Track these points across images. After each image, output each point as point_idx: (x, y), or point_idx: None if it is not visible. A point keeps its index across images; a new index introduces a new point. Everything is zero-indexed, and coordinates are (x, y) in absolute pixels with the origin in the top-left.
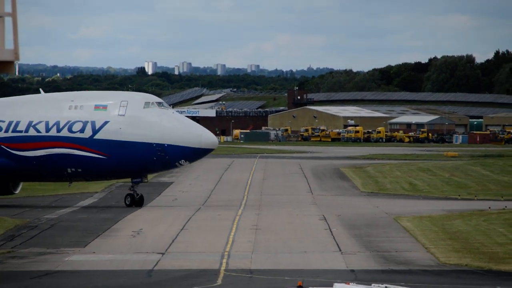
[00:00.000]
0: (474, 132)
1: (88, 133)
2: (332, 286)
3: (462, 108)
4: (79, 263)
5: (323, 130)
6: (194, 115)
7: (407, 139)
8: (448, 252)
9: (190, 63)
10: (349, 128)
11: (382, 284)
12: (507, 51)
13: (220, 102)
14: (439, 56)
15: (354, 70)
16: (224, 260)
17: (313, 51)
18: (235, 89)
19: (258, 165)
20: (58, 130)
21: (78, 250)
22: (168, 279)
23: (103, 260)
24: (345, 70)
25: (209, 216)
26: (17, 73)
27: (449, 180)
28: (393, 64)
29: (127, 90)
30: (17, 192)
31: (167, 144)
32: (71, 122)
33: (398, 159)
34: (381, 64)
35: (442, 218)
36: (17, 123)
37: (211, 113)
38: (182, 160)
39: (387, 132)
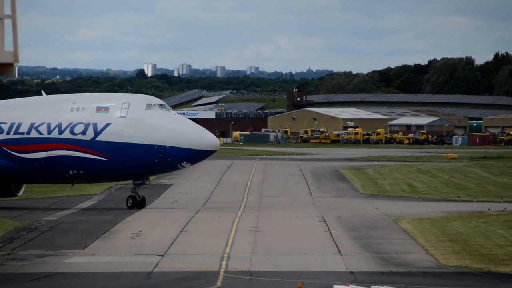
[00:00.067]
0: (474, 133)
1: (90, 135)
2: None
3: (462, 110)
4: (78, 265)
5: (322, 132)
6: (193, 117)
7: (406, 141)
8: (448, 254)
9: (189, 65)
10: (349, 130)
11: (382, 286)
12: (507, 53)
13: (220, 104)
14: (438, 58)
15: (354, 72)
16: (224, 262)
17: (312, 53)
18: (234, 91)
19: (257, 167)
20: (60, 132)
21: (77, 252)
22: (167, 281)
23: (103, 262)
24: (345, 72)
25: (208, 218)
26: (16, 75)
27: (449, 181)
28: (392, 66)
29: (127, 92)
30: (20, 194)
31: (169, 146)
32: (73, 124)
33: (398, 160)
34: (380, 66)
35: (442, 219)
36: (19, 125)
37: (211, 115)
38: (184, 162)
39: (387, 133)
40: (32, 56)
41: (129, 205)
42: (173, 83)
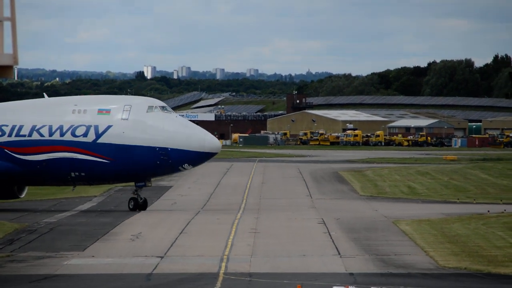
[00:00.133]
0: (473, 135)
1: (91, 137)
2: None
3: (461, 112)
4: (78, 267)
5: (322, 134)
6: (193, 119)
7: (406, 143)
8: (447, 255)
9: (189, 67)
10: (348, 132)
11: (381, 287)
12: (506, 55)
13: (219, 106)
14: (438, 60)
15: (353, 74)
16: (223, 264)
17: (312, 55)
18: (234, 93)
19: (257, 169)
20: (62, 134)
21: (77, 254)
22: (167, 283)
23: (102, 264)
24: (344, 74)
25: (208, 220)
26: (16, 78)
27: (448, 183)
28: (392, 68)
29: (126, 94)
30: (22, 196)
31: (170, 148)
32: (74, 126)
33: (397, 162)
34: (380, 68)
35: (441, 221)
36: (21, 127)
37: (210, 117)
38: (185, 164)
39: (386, 136)
40: (31, 59)
41: (131, 207)
42: (173, 85)
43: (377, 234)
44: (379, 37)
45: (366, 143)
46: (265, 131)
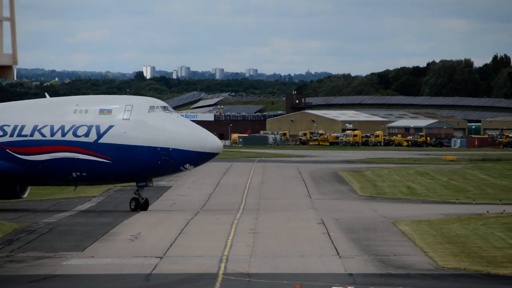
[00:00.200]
0: (473, 136)
1: (92, 137)
2: None
3: (461, 112)
4: (77, 267)
5: (321, 134)
6: (192, 119)
7: (405, 143)
8: (447, 256)
9: (188, 68)
10: (347, 132)
11: None
12: (505, 55)
13: (219, 106)
14: (437, 60)
15: (353, 74)
16: (223, 264)
17: (311, 55)
18: (233, 93)
19: (256, 169)
20: (63, 134)
21: (76, 254)
22: (166, 283)
23: (101, 264)
24: (344, 74)
25: (207, 220)
26: (15, 78)
27: (447, 184)
28: (391, 68)
29: (126, 94)
30: (25, 196)
31: (171, 148)
32: (76, 126)
33: (396, 163)
34: (379, 68)
35: (440, 222)
36: (22, 127)
37: (209, 117)
38: (187, 164)
39: (385, 136)
40: (31, 59)
41: (132, 207)
42: (172, 86)
43: (376, 235)
44: (378, 37)
45: (365, 143)
46: (265, 131)
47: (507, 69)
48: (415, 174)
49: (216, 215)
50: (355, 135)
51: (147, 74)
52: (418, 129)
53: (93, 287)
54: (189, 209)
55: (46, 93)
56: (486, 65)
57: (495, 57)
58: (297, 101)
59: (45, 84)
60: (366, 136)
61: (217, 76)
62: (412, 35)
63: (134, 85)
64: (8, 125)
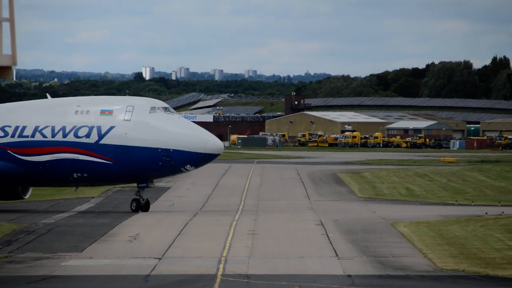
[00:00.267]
0: (471, 137)
1: (94, 138)
2: None
3: (460, 114)
4: (76, 268)
5: (320, 136)
6: (191, 120)
7: (404, 145)
8: (445, 257)
9: (187, 69)
10: (346, 133)
11: None
12: (505, 57)
13: (218, 107)
14: (436, 62)
15: (352, 75)
16: (221, 265)
17: (310, 56)
18: (232, 94)
19: (255, 170)
20: (64, 135)
21: (75, 255)
22: (165, 284)
23: (100, 265)
24: (343, 75)
25: (206, 221)
26: (14, 78)
27: (446, 185)
28: (390, 69)
29: (125, 95)
30: (27, 197)
31: (172, 149)
32: (77, 127)
33: (395, 164)
34: (378, 69)
35: (439, 223)
36: (23, 128)
37: (209, 118)
38: (188, 165)
39: (384, 137)
40: (30, 59)
41: (133, 208)
42: (171, 86)
43: (375, 236)
44: (377, 39)
45: (364, 145)
46: (264, 133)
47: (506, 71)
48: (414, 176)
49: (215, 216)
50: (354, 137)
51: (146, 75)
52: (417, 131)
53: None
54: (188, 210)
55: (47, 94)
56: (485, 66)
57: (494, 59)
58: (296, 102)
59: (44, 85)
60: (365, 138)
61: (216, 77)
62: (411, 37)
63: (133, 86)
64: (10, 126)
